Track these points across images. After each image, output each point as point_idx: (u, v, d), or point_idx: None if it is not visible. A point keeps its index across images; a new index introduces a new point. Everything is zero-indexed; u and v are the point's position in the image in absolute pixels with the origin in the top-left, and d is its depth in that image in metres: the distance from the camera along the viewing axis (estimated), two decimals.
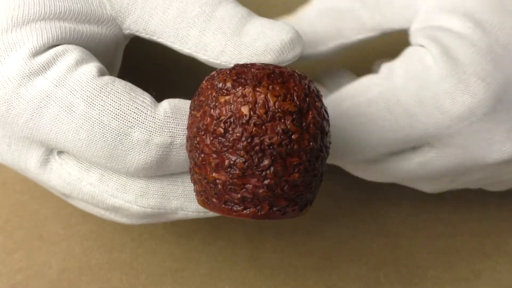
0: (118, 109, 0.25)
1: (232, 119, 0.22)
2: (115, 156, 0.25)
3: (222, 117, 0.22)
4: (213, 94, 0.22)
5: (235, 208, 0.22)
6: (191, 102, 0.24)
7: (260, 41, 0.26)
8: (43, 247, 0.34)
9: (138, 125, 0.25)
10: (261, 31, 0.27)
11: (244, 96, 0.22)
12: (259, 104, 0.22)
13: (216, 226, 0.36)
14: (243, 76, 0.22)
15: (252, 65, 0.23)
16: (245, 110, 0.22)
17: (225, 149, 0.22)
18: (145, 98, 0.26)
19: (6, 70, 0.24)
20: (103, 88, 0.25)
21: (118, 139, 0.25)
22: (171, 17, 0.27)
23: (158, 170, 0.26)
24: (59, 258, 0.34)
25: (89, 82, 0.25)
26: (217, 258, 0.35)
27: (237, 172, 0.22)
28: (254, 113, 0.22)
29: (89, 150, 0.25)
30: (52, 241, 0.34)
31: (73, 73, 0.25)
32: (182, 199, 0.27)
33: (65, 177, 0.27)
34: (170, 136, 0.25)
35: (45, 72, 0.24)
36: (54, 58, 0.25)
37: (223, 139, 0.22)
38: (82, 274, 0.34)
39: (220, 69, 0.24)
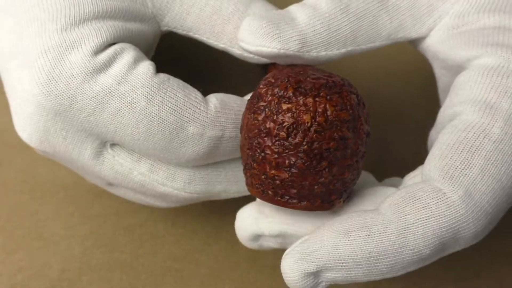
0: (175, 105, 0.26)
1: (294, 126, 0.24)
2: (170, 149, 0.26)
3: (285, 123, 0.24)
4: (275, 101, 0.25)
5: (290, 201, 0.25)
6: (249, 104, 0.26)
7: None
8: (43, 247, 0.34)
9: (193, 119, 0.26)
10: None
11: (305, 105, 0.24)
12: (319, 113, 0.24)
13: (217, 226, 0.36)
14: (303, 85, 0.24)
15: (304, 70, 0.26)
16: (307, 118, 0.24)
17: (287, 151, 0.24)
18: (197, 94, 0.27)
19: (70, 67, 0.25)
20: (161, 85, 0.26)
21: (175, 133, 0.26)
22: (208, 14, 0.29)
23: (207, 160, 0.28)
24: (59, 258, 0.34)
25: (149, 79, 0.26)
26: (217, 258, 0.35)
27: (297, 171, 0.24)
28: (315, 121, 0.24)
29: (146, 142, 0.26)
30: (52, 241, 0.34)
31: (133, 71, 0.26)
32: (225, 184, 0.29)
33: (117, 168, 0.28)
34: (221, 130, 0.27)
35: (106, 70, 0.26)
36: (114, 56, 0.26)
37: (286, 143, 0.24)
38: (82, 274, 0.34)
39: (274, 74, 0.26)
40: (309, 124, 0.24)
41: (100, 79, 0.25)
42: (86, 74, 0.25)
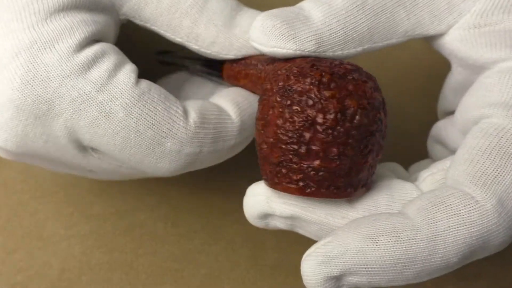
0: (154, 119, 0.25)
1: (342, 112, 0.23)
2: (145, 162, 0.26)
3: (332, 111, 0.23)
4: (315, 90, 0.23)
5: (335, 191, 0.24)
6: (273, 100, 0.24)
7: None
8: (43, 247, 0.34)
9: (171, 135, 0.26)
10: (251, 22, 0.27)
11: (347, 89, 0.24)
12: (360, 96, 0.24)
13: (216, 226, 0.36)
14: (335, 71, 0.24)
15: (312, 59, 0.25)
16: (352, 102, 0.24)
17: (336, 139, 0.23)
18: (178, 108, 0.26)
19: (46, 70, 0.24)
20: (141, 97, 0.25)
21: (151, 147, 0.26)
22: (165, 6, 0.28)
23: (184, 171, 0.27)
24: (59, 258, 0.34)
25: (129, 90, 0.25)
26: (217, 258, 0.35)
27: (346, 159, 0.24)
28: (360, 104, 0.24)
29: (122, 154, 0.26)
30: (52, 241, 0.34)
31: (114, 79, 0.25)
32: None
33: (105, 166, 0.28)
34: (199, 146, 0.26)
35: (85, 74, 0.25)
36: (94, 59, 0.25)
37: (335, 131, 0.23)
38: (82, 274, 0.34)
39: (293, 66, 0.25)
40: (355, 108, 0.23)
41: (78, 84, 0.25)
42: (63, 77, 0.24)
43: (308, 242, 0.35)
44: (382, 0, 0.26)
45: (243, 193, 0.37)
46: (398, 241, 0.23)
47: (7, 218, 0.35)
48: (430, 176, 0.26)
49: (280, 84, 0.24)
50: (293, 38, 0.25)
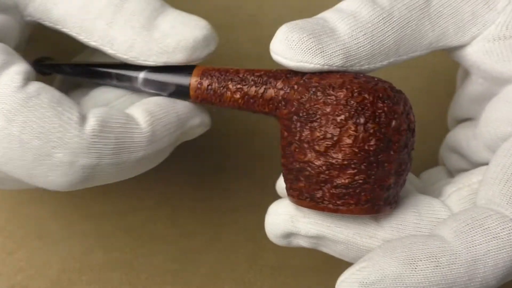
0: (42, 127, 0.23)
1: (412, 125, 0.24)
2: (34, 175, 0.24)
3: (411, 124, 0.24)
4: (388, 107, 0.23)
5: (375, 208, 0.24)
6: (346, 116, 0.23)
7: (172, 38, 0.25)
8: (43, 247, 0.34)
9: (63, 145, 0.23)
10: (173, 26, 0.25)
11: (404, 103, 0.24)
12: (411, 112, 0.25)
13: (217, 226, 0.36)
14: (395, 88, 0.24)
15: (332, 74, 0.24)
16: (412, 117, 0.24)
17: (406, 152, 0.24)
18: (72, 114, 0.23)
19: None
20: (27, 102, 0.23)
21: (39, 159, 0.23)
22: (77, 6, 0.26)
23: (84, 186, 0.25)
24: (59, 258, 0.34)
25: (11, 94, 0.23)
26: (217, 258, 0.35)
27: (392, 176, 0.24)
28: (414, 119, 0.24)
29: (6, 166, 0.23)
30: (52, 241, 0.34)
31: None
32: None
33: None
34: (97, 157, 0.24)
35: None
36: None
37: (406, 150, 0.24)
38: (82, 274, 0.34)
39: (366, 82, 0.24)
40: (414, 124, 0.24)
41: None
42: None
43: None
44: (408, 12, 0.25)
45: (243, 193, 0.37)
46: (437, 266, 0.22)
47: (7, 218, 0.35)
48: (456, 192, 0.26)
49: (351, 102, 0.23)
50: (321, 52, 0.24)
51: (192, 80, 0.26)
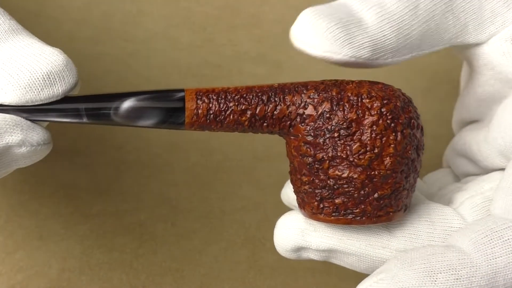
0: None
1: (422, 132, 0.24)
2: None
3: (422, 130, 0.25)
4: (411, 112, 0.23)
5: (389, 215, 0.24)
6: (386, 125, 0.23)
7: (3, 71, 0.22)
8: (43, 247, 0.34)
9: None
10: (11, 57, 0.22)
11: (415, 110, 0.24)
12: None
13: (216, 226, 0.36)
14: (405, 94, 0.24)
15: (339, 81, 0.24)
16: (420, 122, 0.24)
17: (417, 161, 0.24)
18: None
19: None
20: None
21: None
22: None
23: None
24: (59, 258, 0.34)
25: None
26: (217, 259, 0.35)
27: (407, 182, 0.24)
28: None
29: None
30: (52, 241, 0.34)
31: None
32: None
33: None
34: None
35: None
36: None
37: (420, 156, 0.24)
38: (82, 274, 0.34)
39: (391, 89, 0.24)
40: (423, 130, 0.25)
41: None
42: None
43: None
44: (433, 4, 0.24)
45: (243, 194, 0.37)
46: (457, 279, 0.22)
47: (7, 218, 0.35)
48: (469, 200, 0.26)
49: (384, 111, 0.23)
50: (349, 43, 0.22)
51: (187, 105, 0.22)
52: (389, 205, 0.23)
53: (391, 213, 0.23)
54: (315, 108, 0.23)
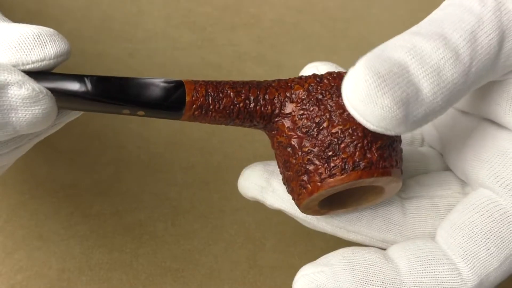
0: None
1: None
2: None
3: None
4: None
5: (393, 169, 0.25)
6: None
7: None
8: (43, 247, 0.34)
9: None
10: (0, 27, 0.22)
11: None
12: None
13: (216, 226, 0.36)
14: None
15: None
16: None
17: None
18: None
19: None
20: None
21: None
22: None
23: None
24: (59, 258, 0.34)
25: None
26: (217, 259, 0.35)
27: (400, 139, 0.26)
28: None
29: None
30: (52, 241, 0.34)
31: None
32: None
33: None
34: None
35: None
36: None
37: None
38: (82, 274, 0.34)
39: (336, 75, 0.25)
40: None
41: None
42: None
43: (307, 243, 0.35)
44: (483, 66, 0.23)
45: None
46: None
47: (7, 218, 0.35)
48: (417, 199, 0.28)
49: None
50: (405, 122, 0.21)
51: (186, 85, 0.23)
52: (389, 157, 0.24)
53: (393, 167, 0.24)
54: (302, 86, 0.24)
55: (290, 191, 0.25)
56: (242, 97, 0.24)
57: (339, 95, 0.24)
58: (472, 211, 0.26)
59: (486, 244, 0.25)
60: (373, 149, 0.24)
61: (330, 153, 0.24)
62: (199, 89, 0.23)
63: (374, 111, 0.21)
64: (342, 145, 0.23)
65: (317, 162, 0.24)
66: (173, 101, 0.23)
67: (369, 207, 0.27)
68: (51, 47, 0.22)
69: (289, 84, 0.25)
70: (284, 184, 0.26)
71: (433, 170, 0.30)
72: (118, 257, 0.34)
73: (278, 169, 0.26)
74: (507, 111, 0.25)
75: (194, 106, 0.23)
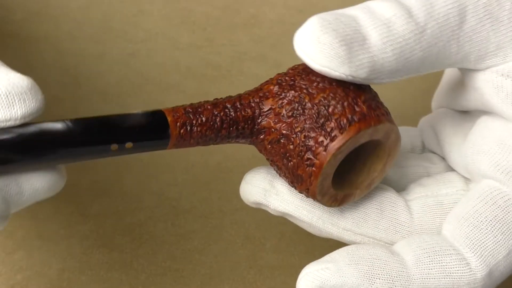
0: None
1: None
2: None
3: None
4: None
5: (385, 117, 0.25)
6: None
7: None
8: (43, 247, 0.34)
9: None
10: None
11: None
12: None
13: (216, 226, 0.36)
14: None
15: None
16: None
17: None
18: None
19: None
20: None
21: None
22: None
23: None
24: (59, 258, 0.34)
25: None
26: (217, 259, 0.35)
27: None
28: None
29: None
30: (52, 241, 0.34)
31: None
32: None
33: None
34: None
35: None
36: None
37: None
38: (82, 274, 0.34)
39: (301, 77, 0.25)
40: None
41: None
42: None
43: (307, 243, 0.35)
44: (439, 31, 0.24)
45: None
46: (391, 287, 0.24)
47: None
48: (423, 198, 0.27)
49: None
50: (349, 62, 0.23)
51: (164, 110, 0.24)
52: (378, 107, 0.25)
53: (385, 115, 0.25)
54: (271, 83, 0.25)
55: (300, 183, 0.25)
56: (220, 107, 0.24)
57: (308, 73, 0.25)
58: (475, 201, 0.26)
59: (493, 232, 0.25)
60: (359, 103, 0.24)
61: (322, 120, 0.24)
62: (177, 109, 0.24)
63: (316, 48, 0.23)
64: (330, 109, 0.24)
65: (313, 134, 0.24)
66: (156, 124, 0.23)
67: (375, 208, 0.27)
68: (19, 107, 0.21)
69: (259, 87, 0.25)
70: (292, 184, 0.25)
71: (436, 173, 0.29)
72: (118, 257, 0.34)
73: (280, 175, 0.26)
74: (499, 101, 0.25)
75: (178, 124, 0.23)
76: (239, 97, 0.25)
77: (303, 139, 0.24)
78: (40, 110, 0.22)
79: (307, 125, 0.24)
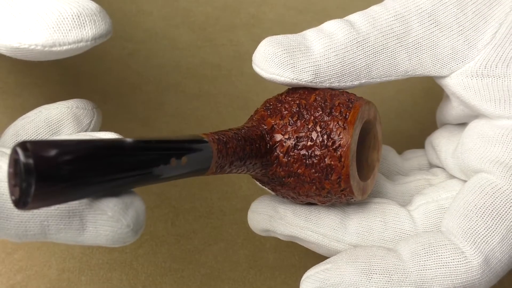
0: None
1: None
2: None
3: None
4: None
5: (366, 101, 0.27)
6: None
7: (32, 11, 0.21)
8: (43, 247, 0.34)
9: None
10: (41, 0, 0.22)
11: None
12: None
13: (216, 227, 0.36)
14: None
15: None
16: None
17: None
18: None
19: None
20: None
21: None
22: None
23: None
24: (59, 258, 0.34)
25: None
26: (217, 259, 0.35)
27: None
28: None
29: None
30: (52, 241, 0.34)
31: None
32: None
33: None
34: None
35: None
36: None
37: None
38: (82, 274, 0.34)
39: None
40: None
41: None
42: None
43: None
44: (384, 39, 0.26)
45: (242, 194, 0.37)
46: (389, 281, 0.24)
47: None
48: (424, 206, 0.28)
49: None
50: (292, 67, 0.26)
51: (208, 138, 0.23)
52: (357, 97, 0.26)
53: (361, 98, 0.26)
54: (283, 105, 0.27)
55: (331, 174, 0.25)
56: (234, 130, 0.25)
57: (288, 93, 0.27)
58: (465, 193, 0.26)
59: (483, 218, 0.25)
60: (344, 93, 0.26)
61: (329, 108, 0.25)
62: (205, 134, 0.24)
63: (263, 58, 0.26)
64: (329, 99, 0.26)
65: (327, 118, 0.25)
66: (196, 140, 0.23)
67: (379, 220, 0.27)
68: (90, 28, 0.22)
69: (250, 118, 0.27)
70: (317, 191, 0.26)
71: (437, 183, 0.30)
72: (118, 257, 0.34)
73: (295, 195, 0.26)
74: (472, 99, 0.27)
75: (212, 138, 0.23)
76: (241, 127, 0.26)
77: (319, 130, 0.25)
78: (109, 34, 0.23)
79: (318, 117, 0.25)
